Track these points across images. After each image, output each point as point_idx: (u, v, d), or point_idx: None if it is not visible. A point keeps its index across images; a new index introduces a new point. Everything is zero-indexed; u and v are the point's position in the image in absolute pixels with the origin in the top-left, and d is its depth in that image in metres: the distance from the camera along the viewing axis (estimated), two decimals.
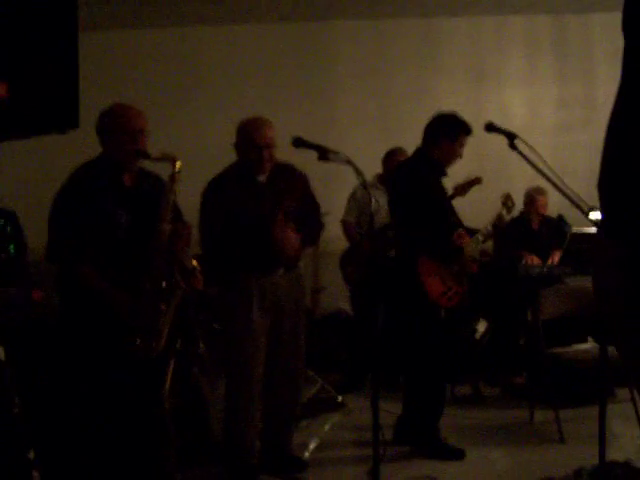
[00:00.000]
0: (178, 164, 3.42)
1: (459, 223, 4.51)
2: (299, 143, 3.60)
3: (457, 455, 4.32)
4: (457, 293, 4.38)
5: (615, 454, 3.85)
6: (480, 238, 4.53)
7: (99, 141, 3.49)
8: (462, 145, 4.42)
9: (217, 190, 3.99)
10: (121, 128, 3.40)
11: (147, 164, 3.60)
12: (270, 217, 3.95)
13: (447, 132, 4.39)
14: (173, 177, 3.43)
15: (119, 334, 3.27)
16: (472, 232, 4.56)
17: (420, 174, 4.42)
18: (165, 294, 3.38)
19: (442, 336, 4.39)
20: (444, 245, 4.36)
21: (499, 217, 4.65)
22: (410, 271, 4.32)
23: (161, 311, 3.35)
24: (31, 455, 3.01)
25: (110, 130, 3.42)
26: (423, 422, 4.41)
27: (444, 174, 4.51)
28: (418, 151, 4.54)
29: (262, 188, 4.00)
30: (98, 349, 3.30)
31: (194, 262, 3.56)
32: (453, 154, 4.41)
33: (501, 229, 4.71)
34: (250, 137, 3.93)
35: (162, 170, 3.56)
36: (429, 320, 4.36)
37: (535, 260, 6.02)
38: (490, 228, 4.61)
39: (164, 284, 3.39)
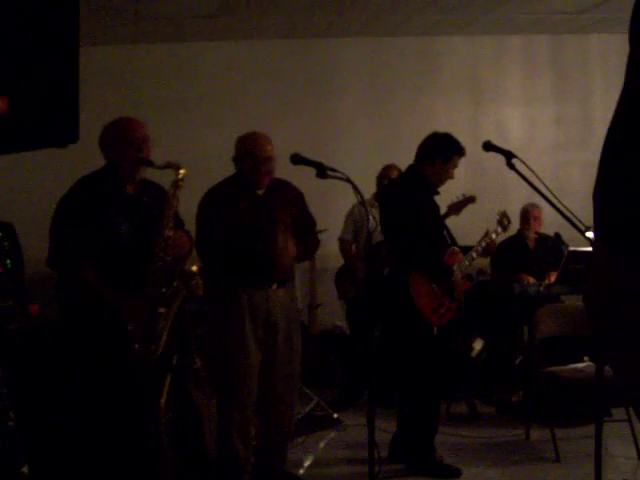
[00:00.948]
0: (182, 172, 3.47)
1: (452, 241, 4.53)
2: (297, 160, 3.61)
3: (453, 474, 4.30)
4: (449, 309, 4.38)
5: (611, 474, 3.85)
6: (474, 255, 4.53)
7: (102, 153, 3.54)
8: (455, 166, 4.44)
9: (214, 201, 4.01)
10: (126, 138, 3.47)
11: (151, 175, 3.62)
12: (267, 230, 3.96)
13: (441, 152, 4.39)
14: (176, 184, 3.46)
15: (118, 339, 3.28)
16: (466, 249, 4.57)
17: (410, 191, 4.43)
18: (166, 298, 3.41)
19: (436, 353, 4.38)
20: (434, 263, 4.37)
21: (487, 235, 4.64)
22: (402, 288, 4.32)
23: (160, 314, 3.37)
24: (26, 470, 3.01)
25: (115, 141, 3.49)
26: (418, 440, 4.39)
27: (436, 192, 4.51)
28: (410, 169, 4.56)
29: (260, 201, 4.02)
30: (96, 358, 3.31)
31: (194, 268, 3.57)
32: (445, 174, 4.43)
33: (491, 248, 4.70)
34: (250, 150, 3.96)
35: (166, 181, 3.57)
36: (422, 337, 4.35)
37: (530, 279, 6.02)
38: (484, 244, 4.61)
39: (165, 289, 3.40)
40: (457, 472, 4.31)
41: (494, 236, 4.67)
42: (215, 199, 4.02)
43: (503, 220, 4.78)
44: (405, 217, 4.37)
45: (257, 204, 4.01)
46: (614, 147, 1.25)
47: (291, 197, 4.18)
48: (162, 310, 3.39)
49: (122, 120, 3.57)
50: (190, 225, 3.88)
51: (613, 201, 1.22)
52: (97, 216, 3.38)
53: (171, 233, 3.42)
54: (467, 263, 4.49)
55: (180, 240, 3.52)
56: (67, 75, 2.64)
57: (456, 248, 4.44)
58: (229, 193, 4.02)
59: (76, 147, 2.61)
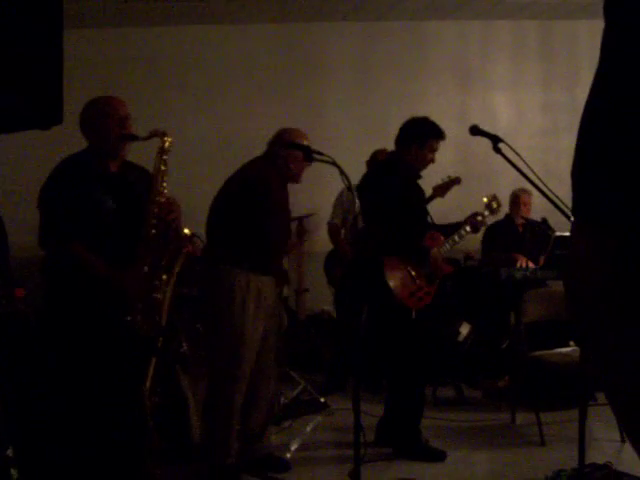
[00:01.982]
0: (168, 138, 3.46)
1: (432, 224, 4.55)
2: (289, 146, 3.61)
3: (438, 457, 4.33)
4: (428, 293, 4.39)
5: (595, 457, 3.87)
6: (456, 238, 4.55)
7: (83, 133, 3.53)
8: (433, 150, 4.44)
9: (267, 180, 3.99)
10: (108, 115, 3.45)
11: (138, 154, 3.59)
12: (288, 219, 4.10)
13: (416, 137, 4.41)
14: (162, 149, 3.46)
15: (115, 314, 3.28)
16: (452, 228, 4.58)
17: (388, 177, 4.47)
18: (165, 264, 3.42)
19: (415, 337, 4.38)
20: (410, 246, 4.40)
21: (473, 216, 4.65)
22: (377, 273, 4.34)
23: (161, 282, 3.38)
24: (10, 452, 3.00)
25: (97, 118, 3.47)
26: (404, 424, 4.41)
27: (418, 177, 4.52)
28: (391, 154, 4.60)
29: (286, 194, 4.11)
30: (83, 339, 3.30)
31: (187, 231, 3.57)
32: (423, 159, 4.44)
33: (476, 229, 4.71)
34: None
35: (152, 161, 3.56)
36: (399, 321, 4.37)
37: (525, 262, 6.00)
38: (468, 229, 4.62)
39: (164, 255, 3.41)
40: (442, 455, 4.33)
41: (480, 218, 4.68)
42: (268, 179, 4.00)
43: (492, 203, 4.79)
44: (381, 202, 4.40)
45: (284, 194, 4.09)
46: (590, 120, 1.24)
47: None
48: (163, 277, 3.40)
49: (102, 98, 3.56)
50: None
51: (584, 173, 1.21)
52: (83, 194, 3.38)
53: (163, 199, 3.41)
54: (448, 247, 4.52)
55: (172, 205, 3.51)
56: (51, 57, 2.62)
57: (436, 233, 4.45)
58: (272, 178, 4.01)
59: (60, 130, 2.59)
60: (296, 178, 4.10)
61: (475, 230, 4.71)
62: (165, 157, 3.46)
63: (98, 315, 3.33)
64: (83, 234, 3.36)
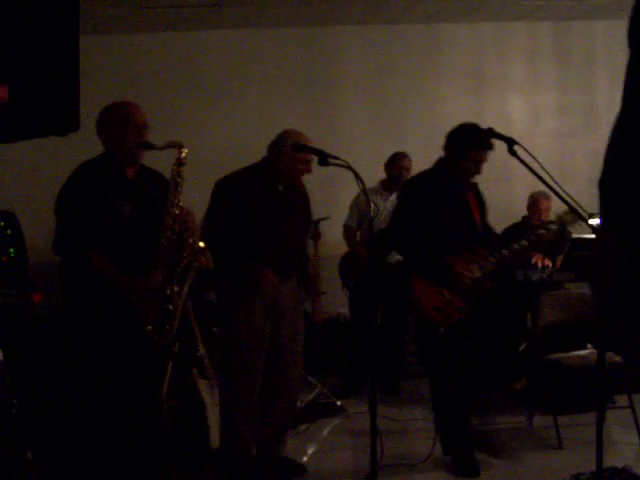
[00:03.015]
0: (184, 150, 3.45)
1: (482, 236, 4.34)
2: (300, 148, 3.61)
3: (468, 472, 4.19)
4: (459, 309, 4.18)
5: (613, 460, 3.85)
6: (505, 253, 4.27)
7: (100, 138, 3.53)
8: (475, 160, 4.19)
9: (235, 185, 3.99)
10: (126, 122, 3.44)
11: (153, 158, 3.60)
12: (285, 226, 4.01)
13: (456, 147, 4.22)
14: (180, 161, 3.44)
15: (129, 322, 3.29)
16: (503, 241, 4.43)
17: (427, 186, 4.29)
18: (178, 276, 3.42)
19: (443, 353, 4.22)
20: (432, 265, 4.19)
21: (537, 229, 4.39)
22: (403, 276, 4.30)
23: (173, 293, 3.39)
24: (29, 456, 3.02)
25: (114, 125, 3.47)
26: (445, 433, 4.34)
27: (460, 187, 4.30)
28: (438, 162, 4.38)
29: (281, 197, 4.05)
30: (100, 344, 3.32)
31: (202, 244, 3.58)
32: (465, 170, 4.23)
33: (536, 245, 4.47)
34: (287, 148, 3.92)
35: (168, 166, 3.56)
36: (426, 335, 4.30)
37: (541, 261, 5.93)
38: (525, 243, 4.33)
39: (177, 267, 3.42)
40: (474, 472, 4.19)
41: (543, 232, 4.37)
42: (238, 187, 4.00)
43: (565, 216, 4.45)
44: (411, 214, 4.25)
45: (280, 199, 4.04)
46: (621, 140, 1.33)
47: (305, 199, 4.25)
48: (175, 288, 3.40)
49: (120, 104, 3.55)
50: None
51: (617, 189, 1.31)
52: (99, 200, 3.37)
53: (178, 211, 3.42)
54: (494, 261, 4.26)
55: (188, 217, 3.51)
56: (67, 63, 2.65)
57: (479, 247, 4.26)
58: (249, 183, 4.01)
59: (77, 136, 2.62)
60: (292, 178, 4.03)
61: (535, 246, 4.44)
62: (182, 169, 3.45)
63: (113, 323, 3.33)
64: (99, 241, 3.35)
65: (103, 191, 3.40)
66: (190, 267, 3.47)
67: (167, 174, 3.52)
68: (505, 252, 4.30)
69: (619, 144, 1.38)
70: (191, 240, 3.48)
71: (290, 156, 3.91)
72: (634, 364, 1.56)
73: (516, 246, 4.31)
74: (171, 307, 3.38)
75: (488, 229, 4.50)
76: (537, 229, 4.41)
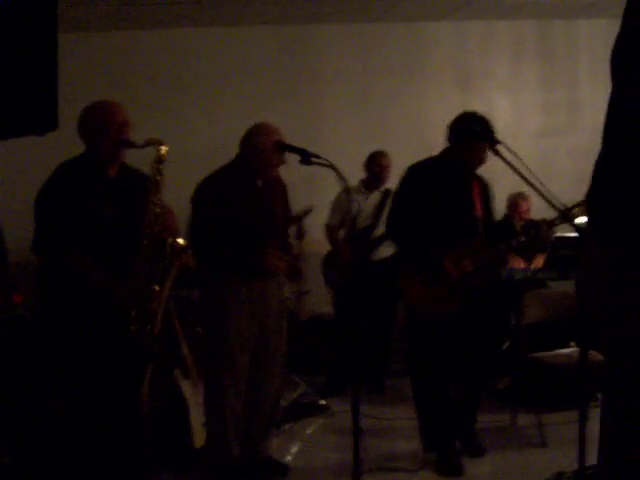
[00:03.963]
0: (164, 147, 3.43)
1: (468, 230, 4.25)
2: (281, 147, 3.60)
3: (452, 471, 4.20)
4: (444, 302, 4.15)
5: (596, 458, 3.84)
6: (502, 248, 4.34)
7: (82, 138, 3.52)
8: (478, 150, 4.14)
9: (214, 188, 3.97)
10: (106, 121, 3.44)
11: (134, 156, 3.57)
12: (265, 221, 3.99)
13: (461, 136, 4.17)
14: (159, 158, 3.43)
15: (109, 323, 3.26)
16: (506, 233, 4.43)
17: (424, 175, 4.27)
18: (158, 275, 3.41)
19: (430, 345, 4.22)
20: (420, 254, 4.18)
21: (536, 226, 4.29)
22: (392, 275, 4.30)
23: (154, 292, 3.37)
24: (6, 460, 3.00)
25: (95, 124, 3.46)
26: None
27: (463, 177, 4.26)
28: (444, 150, 4.33)
29: (261, 192, 4.04)
30: (78, 346, 3.29)
31: (181, 241, 3.56)
32: (470, 159, 4.19)
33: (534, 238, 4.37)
34: (265, 141, 3.92)
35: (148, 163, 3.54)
36: (413, 327, 4.30)
37: (519, 263, 6.00)
38: (523, 239, 4.38)
39: (157, 266, 3.40)
40: (457, 471, 4.20)
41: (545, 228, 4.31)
42: (216, 187, 3.97)
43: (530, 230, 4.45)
44: (407, 201, 4.25)
45: (258, 194, 4.03)
46: (609, 158, 1.44)
47: (283, 191, 4.23)
48: (156, 288, 3.39)
49: (101, 103, 3.55)
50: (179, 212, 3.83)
51: (605, 207, 1.42)
52: (79, 201, 3.35)
53: (158, 209, 3.40)
54: (487, 257, 4.26)
55: (167, 215, 3.50)
56: (45, 62, 2.62)
57: (474, 240, 4.20)
58: (230, 181, 3.99)
59: (57, 135, 2.59)
60: (269, 171, 4.02)
61: (534, 239, 4.39)
62: (161, 166, 3.44)
63: (92, 324, 3.30)
64: (80, 242, 3.33)
65: (84, 192, 3.38)
66: (171, 266, 3.46)
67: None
68: (502, 248, 4.36)
69: (609, 159, 1.50)
70: (171, 239, 3.46)
71: (263, 149, 3.91)
72: (616, 364, 1.63)
73: (513, 242, 4.36)
74: (153, 307, 3.37)
75: (491, 223, 4.43)
76: (535, 226, 4.32)
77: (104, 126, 3.43)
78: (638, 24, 1.40)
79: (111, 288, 3.31)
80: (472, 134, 4.09)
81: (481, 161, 4.21)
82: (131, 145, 3.44)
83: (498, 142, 3.54)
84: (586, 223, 1.69)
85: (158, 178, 3.42)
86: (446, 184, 4.23)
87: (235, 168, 4.04)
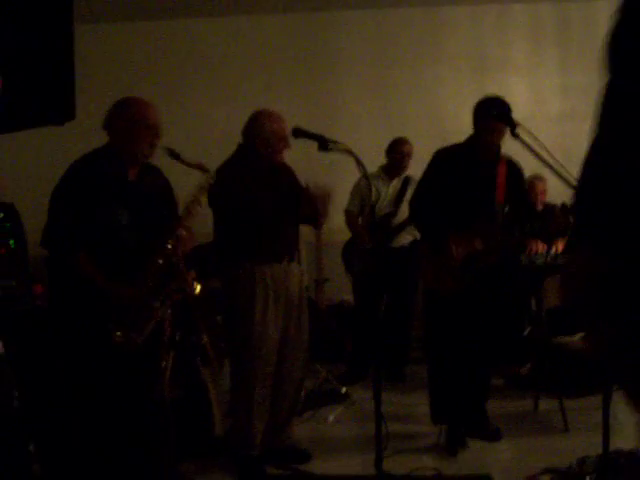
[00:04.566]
0: (211, 175, 3.42)
1: (486, 213, 4.33)
2: (299, 133, 3.59)
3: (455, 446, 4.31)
4: (455, 279, 4.26)
5: (619, 443, 3.83)
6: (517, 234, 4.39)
7: (108, 131, 3.40)
8: (496, 131, 4.18)
9: (226, 179, 3.96)
10: (142, 121, 3.34)
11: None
12: (279, 204, 3.99)
13: (476, 118, 4.25)
14: (203, 188, 3.42)
15: (103, 325, 3.23)
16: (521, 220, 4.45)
17: (447, 158, 4.35)
18: (163, 294, 3.35)
19: (448, 324, 4.31)
20: (433, 234, 4.32)
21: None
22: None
23: (152, 308, 3.31)
24: (31, 448, 3.01)
25: (129, 122, 3.34)
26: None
27: (485, 161, 4.31)
28: (468, 137, 4.39)
29: (270, 179, 4.04)
30: (88, 338, 3.27)
31: (193, 274, 3.55)
32: (485, 140, 4.25)
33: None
34: (269, 127, 3.95)
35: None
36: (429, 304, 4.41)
37: (540, 246, 5.94)
38: (537, 225, 4.45)
39: (166, 286, 3.36)
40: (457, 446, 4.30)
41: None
42: (232, 175, 3.97)
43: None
44: (428, 183, 4.39)
45: (270, 179, 4.04)
46: (596, 156, 1.51)
47: (289, 174, 4.21)
48: (156, 305, 3.32)
49: (137, 102, 3.40)
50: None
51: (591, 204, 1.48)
52: (96, 201, 3.28)
53: (184, 233, 3.37)
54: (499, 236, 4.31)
55: (189, 241, 3.46)
56: (62, 53, 2.63)
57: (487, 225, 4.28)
58: (243, 168, 4.00)
59: (77, 125, 2.61)
60: (274, 157, 4.02)
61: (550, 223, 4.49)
62: (204, 197, 3.42)
63: (97, 318, 3.25)
64: (88, 243, 3.26)
65: (100, 192, 3.29)
66: (178, 290, 3.41)
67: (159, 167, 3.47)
68: (516, 232, 4.35)
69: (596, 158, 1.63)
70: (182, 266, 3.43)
71: (274, 136, 3.94)
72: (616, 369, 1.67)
73: (527, 226, 4.37)
74: (146, 317, 3.30)
75: (517, 207, 4.46)
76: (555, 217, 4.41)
77: (140, 128, 3.33)
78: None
79: (110, 291, 3.23)
80: (489, 116, 4.12)
81: (493, 140, 4.25)
82: (176, 157, 3.38)
83: (517, 124, 3.50)
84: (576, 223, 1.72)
85: (196, 205, 3.39)
86: (464, 169, 4.29)
87: (240, 158, 4.05)
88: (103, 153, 3.39)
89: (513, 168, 4.42)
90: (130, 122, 3.34)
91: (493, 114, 4.07)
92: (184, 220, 3.39)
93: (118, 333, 3.21)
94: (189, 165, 3.39)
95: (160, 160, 3.50)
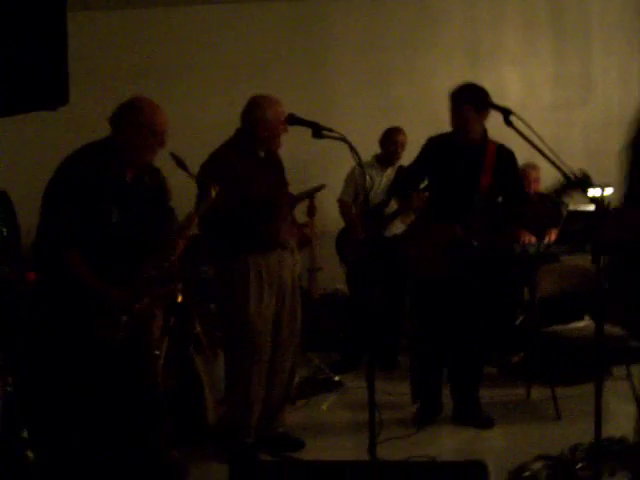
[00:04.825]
0: (213, 191, 3.40)
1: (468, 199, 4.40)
2: (293, 120, 3.58)
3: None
4: (435, 264, 4.39)
5: (611, 431, 3.85)
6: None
7: (114, 128, 3.35)
8: (461, 116, 4.33)
9: (221, 164, 3.95)
10: (149, 127, 3.30)
11: None
12: (276, 191, 4.01)
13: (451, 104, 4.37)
14: (208, 201, 3.41)
15: (86, 319, 3.20)
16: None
17: (429, 146, 4.53)
18: (154, 298, 3.33)
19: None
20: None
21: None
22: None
23: (140, 310, 3.28)
24: (25, 434, 3.01)
25: (135, 126, 3.30)
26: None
27: (467, 147, 4.40)
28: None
29: (265, 164, 4.05)
30: (76, 328, 3.24)
31: (180, 299, 3.57)
32: (458, 125, 4.37)
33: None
34: (270, 111, 3.97)
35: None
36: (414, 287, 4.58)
37: (531, 239, 5.98)
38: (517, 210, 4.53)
39: (158, 290, 3.34)
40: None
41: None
42: (224, 162, 3.96)
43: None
44: (410, 168, 4.69)
45: (263, 165, 4.05)
46: None
47: (279, 161, 4.23)
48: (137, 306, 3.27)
49: (146, 107, 3.34)
50: (182, 194, 3.80)
51: None
52: (92, 200, 3.22)
53: (182, 244, 3.37)
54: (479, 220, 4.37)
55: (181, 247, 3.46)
56: (55, 38, 2.61)
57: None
58: (236, 155, 3.99)
59: (70, 113, 2.60)
60: (274, 141, 4.05)
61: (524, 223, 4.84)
62: (207, 209, 3.42)
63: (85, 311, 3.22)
64: (81, 242, 3.22)
65: (98, 191, 3.25)
66: (165, 297, 3.41)
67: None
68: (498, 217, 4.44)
69: None
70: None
71: (273, 121, 3.95)
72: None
73: (508, 212, 4.47)
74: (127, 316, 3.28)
75: (511, 192, 4.50)
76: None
77: (145, 133, 3.29)
78: None
79: (102, 293, 3.20)
80: (462, 103, 4.32)
81: (456, 125, 4.38)
82: (182, 166, 3.37)
83: (511, 112, 3.50)
84: None
85: (196, 217, 3.39)
86: (446, 155, 4.41)
87: (238, 143, 4.05)
88: (103, 148, 3.34)
89: (503, 154, 4.44)
90: (137, 127, 3.29)
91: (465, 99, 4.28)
92: (184, 230, 3.38)
93: (99, 331, 3.18)
94: (192, 176, 3.37)
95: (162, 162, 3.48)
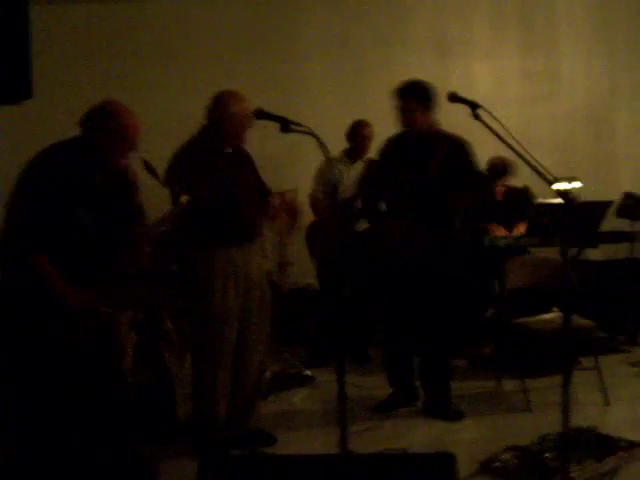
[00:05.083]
0: (185, 198, 3.40)
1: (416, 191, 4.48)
2: (261, 115, 3.57)
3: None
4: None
5: (579, 421, 3.88)
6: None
7: (83, 131, 3.33)
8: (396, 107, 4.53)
9: (186, 160, 3.93)
10: (121, 132, 3.28)
11: None
12: (238, 186, 3.97)
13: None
14: (180, 209, 3.41)
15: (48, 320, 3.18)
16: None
17: (386, 143, 4.73)
18: (122, 302, 3.33)
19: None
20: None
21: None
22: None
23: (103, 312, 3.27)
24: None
25: (107, 133, 3.28)
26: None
27: (411, 141, 4.55)
28: None
29: (232, 159, 4.03)
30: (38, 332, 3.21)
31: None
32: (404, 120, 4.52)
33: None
34: (235, 107, 3.94)
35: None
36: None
37: (501, 231, 6.01)
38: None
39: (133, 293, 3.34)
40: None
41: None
42: (189, 158, 3.94)
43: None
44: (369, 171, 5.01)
45: (229, 161, 4.02)
46: None
47: (249, 157, 4.22)
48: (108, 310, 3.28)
49: (118, 112, 3.32)
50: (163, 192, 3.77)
51: None
52: (60, 202, 3.20)
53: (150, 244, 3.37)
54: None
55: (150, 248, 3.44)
56: (17, 31, 2.58)
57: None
58: (201, 151, 3.97)
59: (32, 106, 2.56)
60: (240, 136, 4.04)
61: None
62: (177, 218, 3.43)
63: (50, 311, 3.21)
64: (48, 244, 3.19)
65: (67, 193, 3.21)
66: (133, 302, 3.41)
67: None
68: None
69: None
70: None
71: (239, 116, 3.93)
72: None
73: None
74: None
75: (461, 178, 4.50)
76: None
77: (116, 139, 3.27)
78: None
79: (66, 296, 3.17)
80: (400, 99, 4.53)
81: (401, 121, 4.52)
82: (153, 174, 3.34)
83: (478, 105, 3.51)
84: None
85: (168, 226, 3.39)
86: (394, 151, 4.62)
87: (204, 138, 4.03)
88: (72, 149, 3.31)
89: (452, 143, 4.53)
90: (108, 133, 3.28)
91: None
92: (153, 236, 3.40)
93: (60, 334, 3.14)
94: (163, 185, 3.37)
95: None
